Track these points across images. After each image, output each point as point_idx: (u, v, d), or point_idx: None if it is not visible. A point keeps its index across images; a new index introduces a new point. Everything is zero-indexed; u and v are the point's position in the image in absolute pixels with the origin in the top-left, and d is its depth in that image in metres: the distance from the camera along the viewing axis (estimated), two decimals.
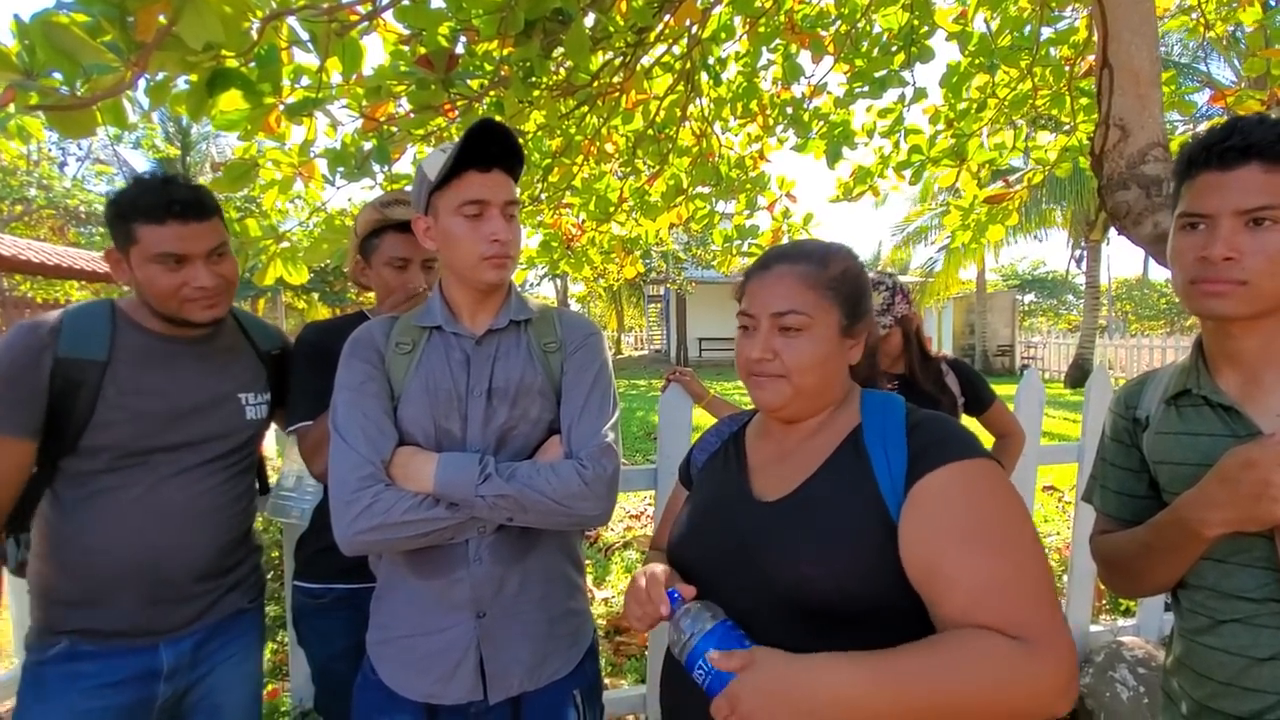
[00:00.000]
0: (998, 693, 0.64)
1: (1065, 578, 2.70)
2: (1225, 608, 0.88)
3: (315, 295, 18.87)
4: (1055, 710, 0.66)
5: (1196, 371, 0.93)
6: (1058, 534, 4.06)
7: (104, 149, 18.82)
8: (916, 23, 2.94)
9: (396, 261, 1.51)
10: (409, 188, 1.37)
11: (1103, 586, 2.51)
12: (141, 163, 19.36)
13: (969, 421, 1.97)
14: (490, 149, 1.09)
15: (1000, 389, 1.90)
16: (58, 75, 1.18)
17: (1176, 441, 0.93)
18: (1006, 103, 3.08)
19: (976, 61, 3.01)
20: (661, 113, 3.11)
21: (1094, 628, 2.54)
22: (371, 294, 1.66)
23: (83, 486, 1.17)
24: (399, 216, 1.50)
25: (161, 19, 1.19)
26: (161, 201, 1.17)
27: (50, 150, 13.91)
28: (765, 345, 0.86)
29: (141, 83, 1.46)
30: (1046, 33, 2.74)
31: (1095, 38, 1.21)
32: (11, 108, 1.39)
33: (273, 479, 1.65)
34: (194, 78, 1.58)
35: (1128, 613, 2.87)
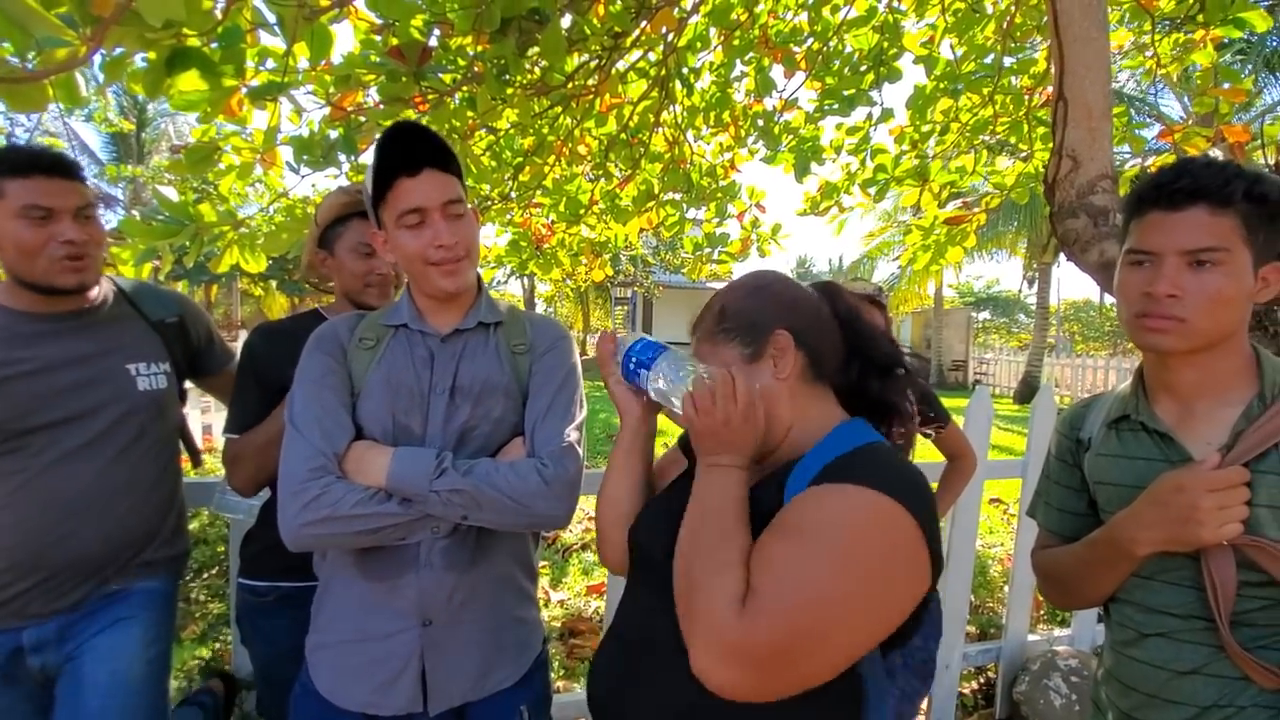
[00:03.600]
0: (693, 585, 0.72)
1: (1006, 588, 2.79)
2: (1151, 622, 0.92)
3: (273, 283, 18.33)
4: (698, 662, 0.68)
5: (1136, 398, 0.97)
6: (1001, 545, 4.20)
7: (54, 121, 17.95)
8: (886, 44, 3.02)
9: (363, 247, 1.48)
10: None
11: (1040, 598, 2.60)
12: (93, 137, 18.54)
13: (923, 441, 2.03)
14: (416, 151, 1.06)
15: (953, 403, 1.95)
16: (7, 46, 1.12)
17: (1114, 464, 0.97)
18: (968, 127, 3.18)
19: (942, 86, 3.11)
20: (635, 117, 3.12)
21: (1031, 636, 2.63)
22: (328, 297, 1.61)
23: None
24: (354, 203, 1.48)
25: None
26: (27, 157, 1.19)
27: None
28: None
29: (97, 57, 1.41)
30: (1009, 62, 2.84)
31: (1053, 71, 1.26)
32: None
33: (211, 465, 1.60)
34: (152, 55, 1.52)
35: (1063, 623, 2.99)
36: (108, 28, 1.12)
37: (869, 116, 3.36)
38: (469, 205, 1.17)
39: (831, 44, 3.19)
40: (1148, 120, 11.17)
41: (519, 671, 1.16)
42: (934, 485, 2.05)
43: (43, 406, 1.20)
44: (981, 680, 2.67)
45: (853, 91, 3.20)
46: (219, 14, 1.47)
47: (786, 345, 0.84)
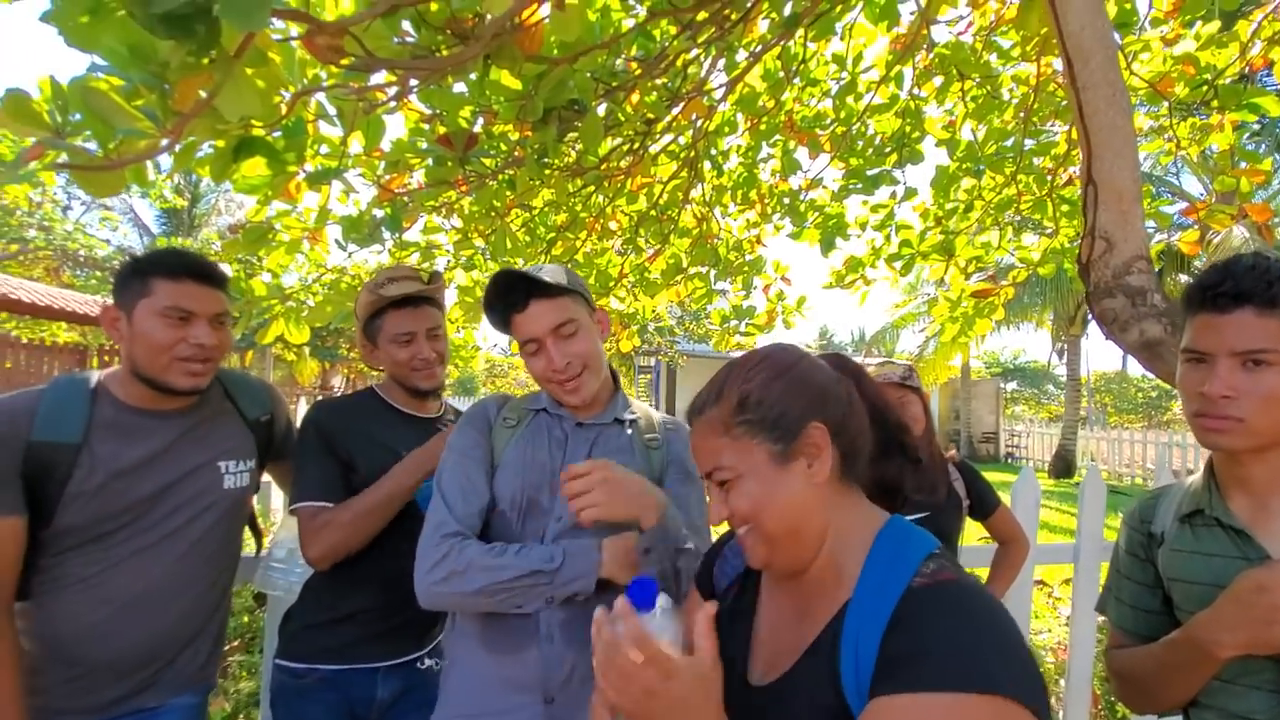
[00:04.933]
0: None
1: (1061, 681, 2.62)
2: None
3: (305, 349, 18.84)
4: None
5: (1209, 493, 0.97)
6: (1048, 631, 3.97)
7: (112, 197, 19.15)
8: (909, 128, 3.13)
9: (402, 337, 1.53)
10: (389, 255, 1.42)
11: (1098, 693, 2.43)
12: (147, 211, 19.66)
13: (972, 525, 1.96)
14: (515, 290, 1.17)
15: (991, 476, 1.89)
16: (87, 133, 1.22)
17: (1190, 560, 0.96)
18: (992, 205, 3.24)
19: (964, 166, 3.19)
20: (665, 195, 3.24)
21: None
22: (361, 365, 1.67)
23: (35, 572, 1.16)
24: (395, 293, 1.53)
25: (202, 92, 1.25)
26: (181, 261, 1.25)
27: (56, 194, 14.10)
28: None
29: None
30: (1030, 144, 2.91)
31: (1078, 153, 1.29)
32: (37, 161, 1.43)
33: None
34: (220, 144, 1.64)
35: None
36: (187, 122, 1.21)
37: (893, 194, 3.44)
38: (592, 310, 1.24)
39: (855, 128, 3.32)
40: (1170, 197, 11.42)
41: None
42: (982, 571, 1.97)
43: (137, 507, 1.21)
44: None
45: (877, 172, 3.30)
46: (284, 107, 1.59)
47: (824, 442, 0.72)
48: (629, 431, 1.24)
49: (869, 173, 3.33)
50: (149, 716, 1.23)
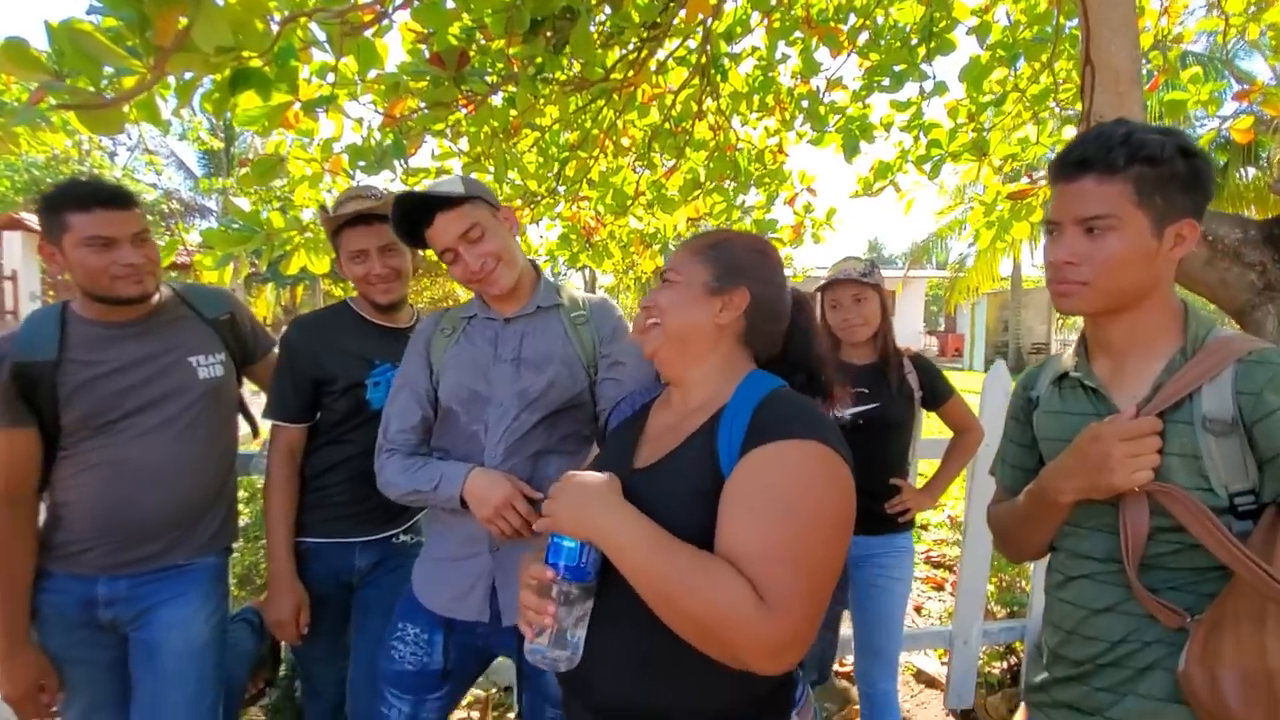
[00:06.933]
0: (709, 612, 0.73)
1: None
2: (1075, 566, 0.99)
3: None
4: (762, 666, 0.75)
5: (1078, 357, 1.02)
6: None
7: (154, 140, 19.50)
8: (937, 14, 2.91)
9: (357, 255, 1.62)
10: (375, 183, 1.47)
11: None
12: (189, 153, 20.02)
13: (929, 417, 1.98)
14: (419, 209, 1.29)
15: None
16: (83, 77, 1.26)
17: (1055, 419, 1.02)
18: (1028, 96, 3.03)
19: (998, 55, 2.96)
20: (678, 106, 3.13)
21: None
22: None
23: (65, 455, 1.39)
24: (347, 212, 1.59)
25: (183, 20, 1.27)
26: (89, 191, 1.34)
27: (102, 141, 14.44)
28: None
29: (174, 82, 1.55)
30: (1071, 26, 2.68)
31: (1080, 34, 1.21)
32: (51, 100, 1.50)
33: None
34: (217, 77, 1.66)
35: None
36: (168, 56, 1.24)
37: (921, 91, 3.25)
38: (495, 209, 1.32)
39: (881, 20, 3.10)
40: (1229, 80, 9.99)
41: None
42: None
43: (124, 399, 1.39)
44: (1013, 660, 2.58)
45: (903, 66, 3.10)
46: (275, 33, 1.59)
47: (739, 303, 0.94)
48: (555, 315, 1.37)
49: (895, 68, 3.14)
50: (180, 572, 1.47)
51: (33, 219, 10.25)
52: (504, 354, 1.33)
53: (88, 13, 1.40)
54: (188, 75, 1.60)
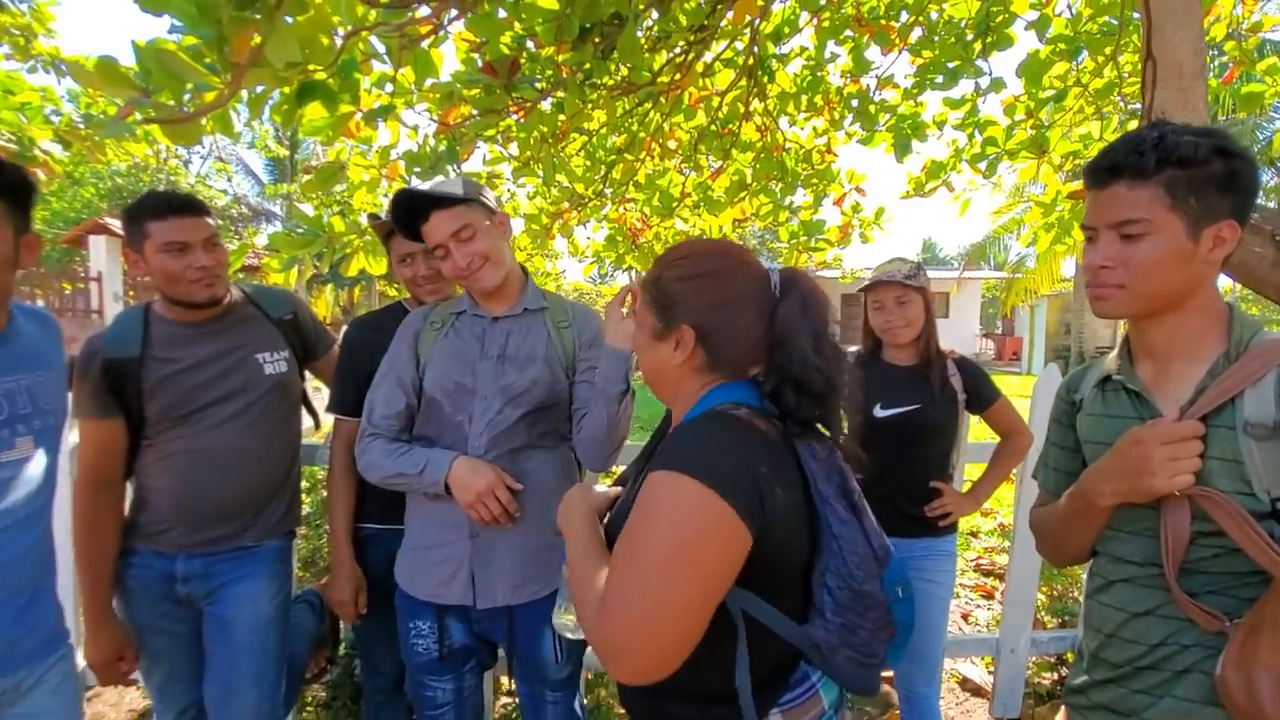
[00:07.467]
0: (580, 611, 0.86)
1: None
2: (1116, 570, 0.98)
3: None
4: (608, 668, 0.80)
5: (1121, 360, 1.01)
6: None
7: (224, 148, 20.54)
8: (994, 9, 2.83)
9: (405, 259, 1.71)
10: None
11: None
12: (256, 161, 21.00)
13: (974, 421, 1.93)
14: (416, 204, 1.38)
15: None
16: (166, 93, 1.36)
17: (1098, 422, 1.02)
18: (1090, 91, 2.91)
19: (1058, 49, 2.86)
20: (724, 108, 3.14)
21: None
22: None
23: (148, 444, 1.52)
24: (386, 220, 1.68)
25: (257, 38, 1.36)
26: (165, 202, 1.47)
27: (178, 150, 15.31)
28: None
29: (244, 95, 1.65)
30: (1136, 18, 2.57)
31: (1141, 27, 1.17)
32: (136, 116, 1.62)
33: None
34: (285, 90, 1.76)
35: None
36: (244, 72, 1.33)
37: (976, 88, 3.16)
38: (491, 213, 1.41)
39: (934, 15, 3.03)
40: None
41: (552, 586, 1.40)
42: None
43: (200, 393, 1.51)
44: (1063, 671, 2.49)
45: (958, 63, 3.03)
46: (339, 47, 1.68)
47: (688, 341, 0.91)
48: (540, 318, 1.46)
49: (948, 65, 3.06)
50: (249, 553, 1.57)
51: (116, 224, 10.95)
52: (490, 350, 1.41)
53: (170, 32, 1.50)
54: (259, 88, 1.71)
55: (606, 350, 1.30)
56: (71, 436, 1.59)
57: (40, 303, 10.82)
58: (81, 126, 3.19)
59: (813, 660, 0.87)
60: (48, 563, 1.22)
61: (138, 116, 1.43)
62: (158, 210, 1.46)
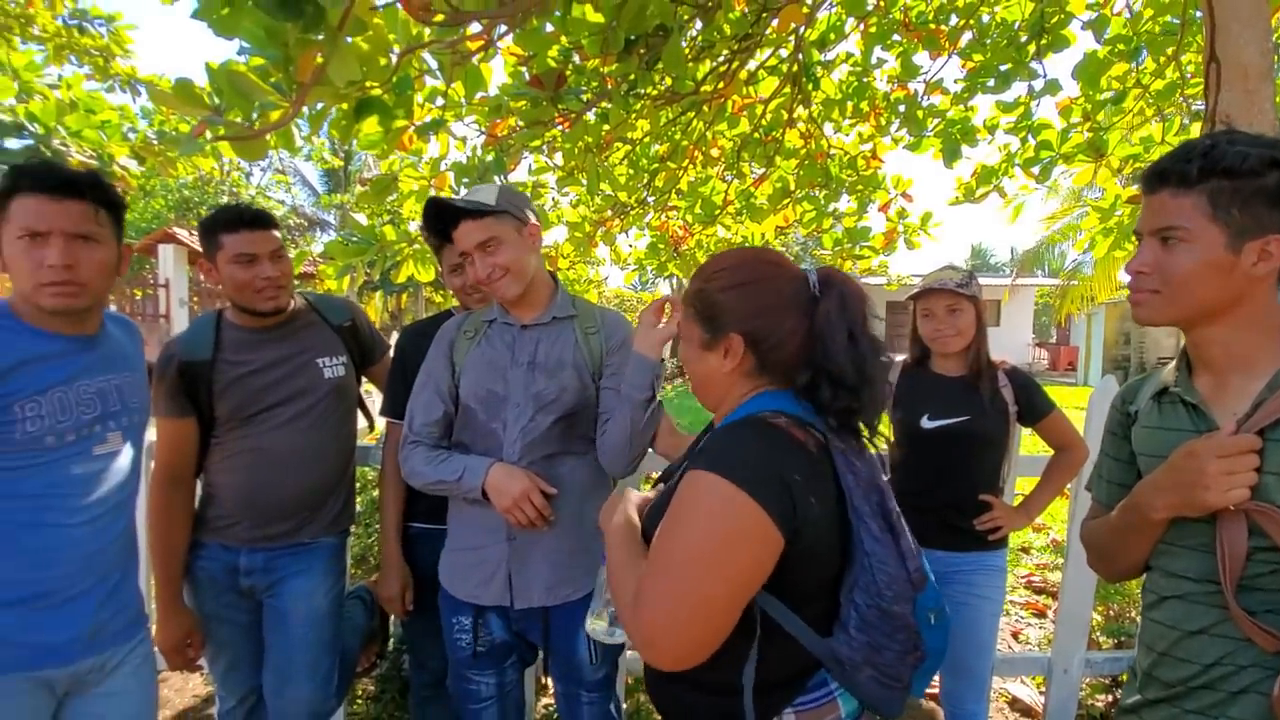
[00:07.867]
0: (617, 602, 0.91)
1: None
2: (1169, 586, 0.96)
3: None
4: (644, 656, 0.83)
5: (1179, 373, 0.99)
6: None
7: (282, 160, 21.43)
8: (1049, 10, 2.76)
9: (455, 268, 1.77)
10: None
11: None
12: (312, 171, 21.81)
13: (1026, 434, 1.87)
14: (445, 217, 1.43)
15: None
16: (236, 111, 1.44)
17: (1153, 435, 1.00)
18: (1151, 92, 2.81)
19: (1117, 49, 2.77)
20: (768, 115, 3.14)
21: None
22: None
23: (217, 443, 1.60)
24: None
25: (320, 58, 1.43)
26: (238, 215, 1.55)
27: (240, 163, 16.05)
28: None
29: (305, 111, 1.74)
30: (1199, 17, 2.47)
31: (1204, 27, 1.14)
32: (208, 134, 1.72)
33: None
34: (343, 107, 1.85)
35: None
36: (308, 90, 1.40)
37: (1030, 90, 3.08)
38: (522, 225, 1.43)
39: (986, 19, 2.97)
40: None
41: (585, 588, 1.42)
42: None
43: (265, 395, 1.59)
44: (1119, 693, 2.37)
45: (1010, 65, 2.96)
46: (393, 67, 1.75)
47: (737, 348, 0.93)
48: (569, 326, 1.49)
49: (1000, 68, 3.00)
50: (306, 549, 1.64)
51: (184, 234, 11.49)
52: (520, 358, 1.45)
53: (239, 53, 1.60)
54: (319, 105, 1.80)
55: (635, 356, 1.33)
56: (148, 434, 1.69)
57: (113, 308, 11.45)
58: (155, 143, 3.39)
59: (833, 673, 0.88)
60: (132, 551, 1.31)
61: (208, 135, 1.53)
62: (230, 224, 1.55)
